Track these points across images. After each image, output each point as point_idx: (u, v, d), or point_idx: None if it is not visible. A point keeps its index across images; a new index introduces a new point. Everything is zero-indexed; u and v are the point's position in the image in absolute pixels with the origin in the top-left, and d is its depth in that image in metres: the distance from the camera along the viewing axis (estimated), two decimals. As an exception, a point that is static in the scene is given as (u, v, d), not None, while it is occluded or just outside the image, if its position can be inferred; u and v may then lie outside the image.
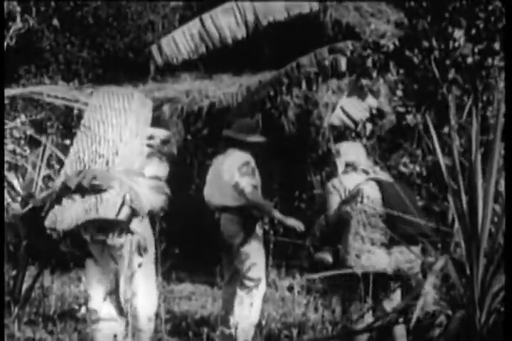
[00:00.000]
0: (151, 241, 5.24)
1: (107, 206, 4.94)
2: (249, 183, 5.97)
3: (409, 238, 4.77)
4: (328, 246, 5.40)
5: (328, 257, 5.27)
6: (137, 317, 5.09)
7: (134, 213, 5.03)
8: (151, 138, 5.48)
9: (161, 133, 5.56)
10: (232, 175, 6.02)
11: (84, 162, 5.12)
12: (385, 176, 5.41)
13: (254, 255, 6.01)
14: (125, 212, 5.00)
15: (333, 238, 5.33)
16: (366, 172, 5.35)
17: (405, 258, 5.04)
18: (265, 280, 6.11)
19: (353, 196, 5.17)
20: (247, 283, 6.00)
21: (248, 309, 5.99)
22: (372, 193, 5.14)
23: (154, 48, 9.10)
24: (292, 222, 5.96)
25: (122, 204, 4.96)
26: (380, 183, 5.18)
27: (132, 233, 5.15)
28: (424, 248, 4.86)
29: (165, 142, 5.49)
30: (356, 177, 5.32)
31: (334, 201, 5.27)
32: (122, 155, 5.11)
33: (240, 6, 8.93)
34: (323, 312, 6.27)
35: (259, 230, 6.13)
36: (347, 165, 5.39)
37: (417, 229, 4.70)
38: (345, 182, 5.29)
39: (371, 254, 5.07)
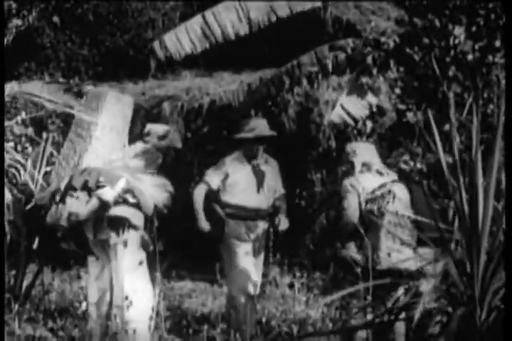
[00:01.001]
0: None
1: (79, 201, 5.03)
2: (201, 189, 6.09)
3: (434, 240, 4.79)
4: (331, 243, 5.42)
5: (357, 256, 5.28)
6: (135, 314, 5.10)
7: (103, 205, 5.07)
8: (147, 134, 5.51)
9: (158, 129, 5.59)
10: None
11: (68, 161, 5.26)
12: (395, 177, 5.47)
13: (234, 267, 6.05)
14: (93, 204, 5.05)
15: (349, 235, 5.35)
16: (380, 172, 5.40)
17: (430, 258, 5.06)
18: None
19: (382, 196, 5.22)
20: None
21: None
22: (402, 194, 5.23)
23: (156, 44, 9.08)
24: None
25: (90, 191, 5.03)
26: (409, 186, 5.26)
27: (136, 229, 5.16)
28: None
29: (161, 137, 5.51)
30: (372, 177, 5.37)
31: (353, 199, 5.31)
32: (92, 150, 5.23)
33: (242, 3, 8.93)
34: (324, 309, 6.27)
35: (238, 230, 6.14)
36: (363, 165, 5.44)
37: (440, 232, 4.72)
38: (363, 181, 5.33)
39: (400, 254, 5.12)
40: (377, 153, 5.59)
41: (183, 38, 8.87)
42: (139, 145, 5.48)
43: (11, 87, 6.20)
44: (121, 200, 5.10)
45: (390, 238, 5.18)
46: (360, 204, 5.29)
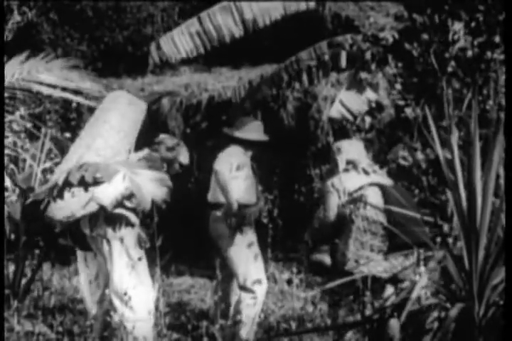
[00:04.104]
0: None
1: (76, 198, 5.03)
2: (226, 166, 5.76)
3: (407, 246, 4.73)
4: (323, 245, 5.39)
5: (327, 259, 5.25)
6: (136, 310, 5.10)
7: (103, 209, 5.06)
8: (158, 143, 5.51)
9: (169, 140, 5.57)
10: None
11: (73, 158, 5.25)
12: (383, 175, 5.40)
13: (245, 258, 5.84)
14: (91, 208, 5.05)
15: (329, 237, 5.30)
16: (366, 171, 5.32)
17: (402, 265, 5.03)
18: (265, 279, 5.97)
19: (355, 200, 5.14)
20: (248, 287, 5.86)
21: (251, 309, 5.89)
22: (375, 199, 5.12)
23: (153, 47, 9.06)
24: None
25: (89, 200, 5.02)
26: (383, 189, 5.16)
27: (133, 226, 5.17)
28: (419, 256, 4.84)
29: (170, 149, 5.50)
30: (356, 176, 5.28)
31: (332, 201, 5.24)
32: (94, 148, 5.19)
33: (238, 4, 8.91)
34: (322, 306, 6.27)
35: (250, 229, 5.97)
36: (348, 163, 5.36)
37: (416, 238, 4.66)
38: (345, 181, 5.25)
39: (369, 260, 5.04)
40: (364, 151, 5.49)
41: (179, 42, 8.85)
42: (146, 152, 5.48)
43: (11, 67, 6.14)
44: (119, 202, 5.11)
45: (358, 244, 5.10)
46: (338, 205, 5.22)
